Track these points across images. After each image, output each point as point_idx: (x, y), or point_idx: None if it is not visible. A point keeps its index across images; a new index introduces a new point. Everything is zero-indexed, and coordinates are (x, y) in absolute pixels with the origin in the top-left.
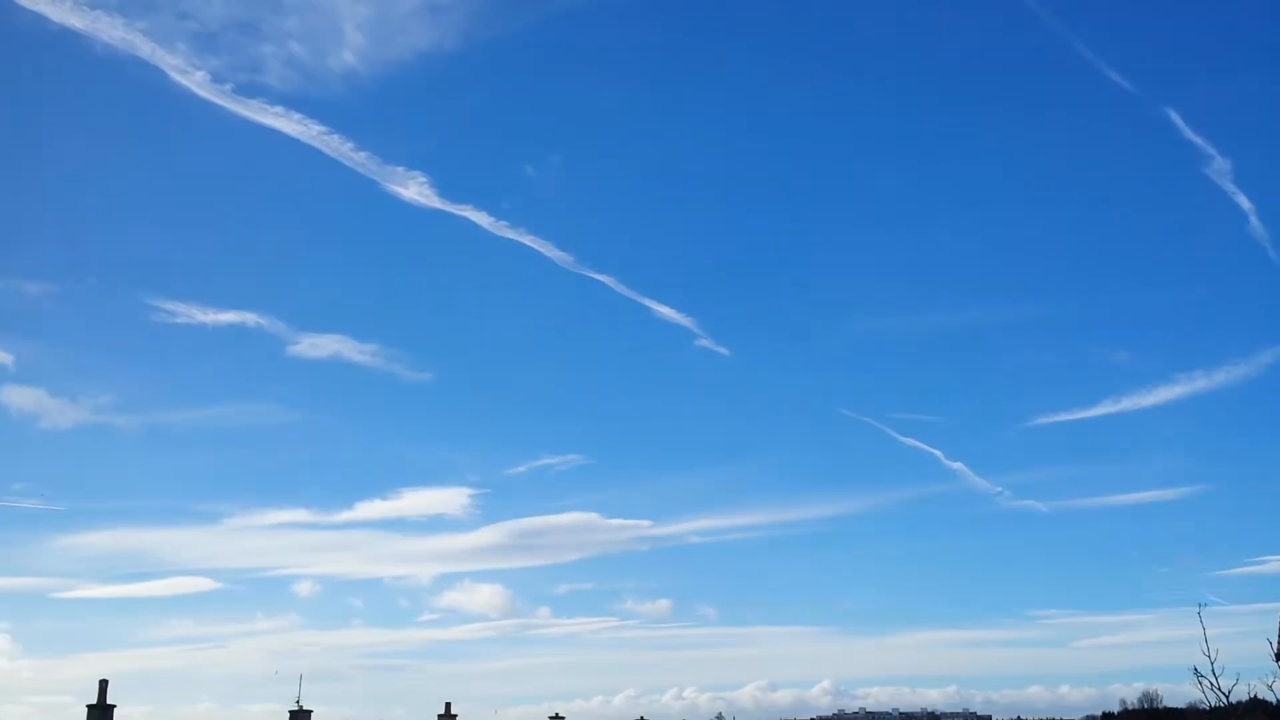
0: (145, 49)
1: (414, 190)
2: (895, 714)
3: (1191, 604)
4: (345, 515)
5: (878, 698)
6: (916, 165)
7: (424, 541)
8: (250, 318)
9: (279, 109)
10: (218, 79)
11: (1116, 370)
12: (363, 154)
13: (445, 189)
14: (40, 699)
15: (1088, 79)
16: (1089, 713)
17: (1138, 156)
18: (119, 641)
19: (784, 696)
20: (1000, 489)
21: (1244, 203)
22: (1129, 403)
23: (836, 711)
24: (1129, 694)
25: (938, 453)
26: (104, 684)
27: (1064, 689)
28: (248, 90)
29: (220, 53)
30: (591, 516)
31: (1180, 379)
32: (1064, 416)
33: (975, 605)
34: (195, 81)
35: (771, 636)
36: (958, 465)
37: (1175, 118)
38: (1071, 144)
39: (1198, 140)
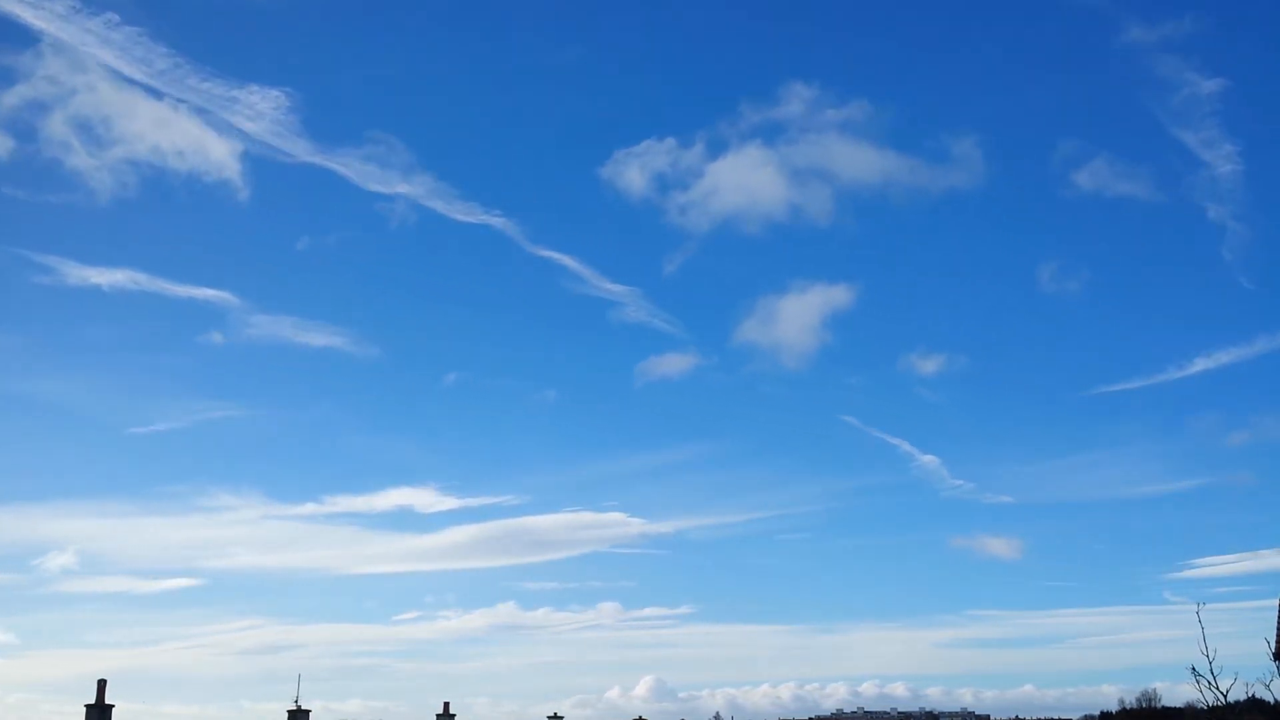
0: None
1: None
2: (894, 713)
3: (1161, 602)
4: (311, 508)
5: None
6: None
7: (400, 538)
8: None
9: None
10: None
11: (1101, 360)
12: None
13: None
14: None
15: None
16: (1087, 712)
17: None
18: (95, 639)
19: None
20: (965, 481)
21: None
22: (1111, 389)
23: (836, 711)
24: (1084, 695)
25: (906, 443)
26: (102, 684)
27: (1028, 688)
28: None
29: None
30: (566, 515)
31: (1171, 368)
32: (1043, 408)
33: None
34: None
35: (763, 635)
36: (930, 459)
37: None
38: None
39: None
